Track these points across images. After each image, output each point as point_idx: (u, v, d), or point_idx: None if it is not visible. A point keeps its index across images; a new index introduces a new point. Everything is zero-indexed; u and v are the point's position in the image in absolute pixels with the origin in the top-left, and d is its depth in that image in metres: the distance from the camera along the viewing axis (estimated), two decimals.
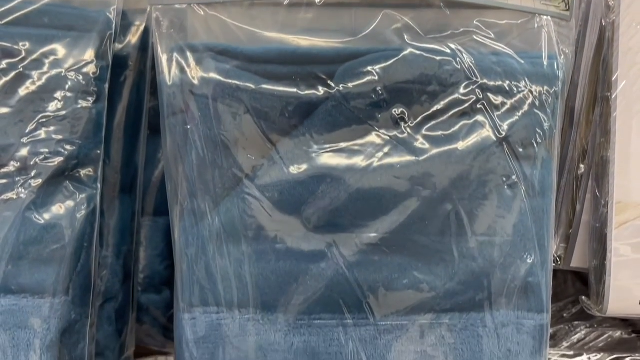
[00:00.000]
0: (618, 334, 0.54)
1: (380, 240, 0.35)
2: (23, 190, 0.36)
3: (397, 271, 0.34)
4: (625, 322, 0.57)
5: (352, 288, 0.35)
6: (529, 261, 0.35)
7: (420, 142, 0.35)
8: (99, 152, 0.39)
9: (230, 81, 0.36)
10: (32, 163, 0.37)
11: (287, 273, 0.35)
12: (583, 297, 0.44)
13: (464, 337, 0.34)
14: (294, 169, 0.35)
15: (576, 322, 0.57)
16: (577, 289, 0.67)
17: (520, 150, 0.35)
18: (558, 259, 0.44)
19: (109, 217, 0.44)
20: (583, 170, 0.42)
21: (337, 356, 0.35)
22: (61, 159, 0.37)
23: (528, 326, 0.35)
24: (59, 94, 0.37)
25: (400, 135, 0.35)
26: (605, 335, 0.55)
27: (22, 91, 0.37)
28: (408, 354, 0.34)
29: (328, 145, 0.35)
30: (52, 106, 0.37)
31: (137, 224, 0.48)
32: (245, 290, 0.36)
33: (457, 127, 0.35)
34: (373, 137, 0.35)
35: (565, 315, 0.60)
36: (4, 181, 0.36)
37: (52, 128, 0.37)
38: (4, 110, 0.37)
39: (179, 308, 0.38)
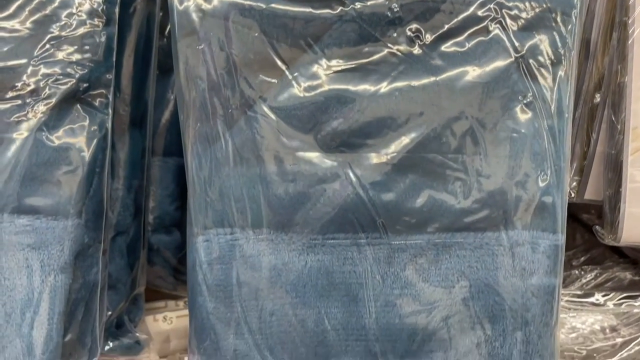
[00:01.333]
0: (628, 276, 0.54)
1: (395, 159, 0.34)
2: (34, 112, 0.36)
3: (412, 190, 0.34)
4: (634, 265, 0.57)
5: (365, 207, 0.34)
6: (544, 181, 0.34)
7: (435, 61, 0.34)
8: (109, 76, 0.38)
9: (242, 0, 0.35)
10: (42, 84, 0.36)
11: (301, 193, 0.35)
12: (597, 227, 0.44)
13: (479, 255, 0.34)
14: (307, 89, 0.35)
15: (585, 267, 0.57)
16: (585, 239, 0.67)
17: (537, 69, 0.35)
18: (572, 192, 0.44)
19: (120, 150, 0.44)
20: (598, 99, 0.42)
21: (350, 275, 0.35)
22: (72, 80, 0.37)
23: (543, 246, 0.34)
24: (69, 15, 0.37)
25: (415, 54, 0.34)
26: (615, 278, 0.55)
27: (32, 12, 0.36)
28: (422, 272, 0.34)
29: (342, 65, 0.35)
30: (63, 27, 0.36)
31: (148, 162, 0.48)
32: (259, 211, 0.35)
33: (473, 44, 0.34)
34: (387, 56, 0.35)
35: (574, 263, 0.60)
36: (15, 102, 0.36)
37: (62, 49, 0.36)
38: (14, 31, 0.36)
39: (192, 232, 0.38)
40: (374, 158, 0.35)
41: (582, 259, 0.60)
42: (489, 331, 0.34)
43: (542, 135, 0.35)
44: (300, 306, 0.35)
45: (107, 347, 0.44)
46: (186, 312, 0.57)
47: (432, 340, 0.34)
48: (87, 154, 0.37)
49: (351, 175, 0.35)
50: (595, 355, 0.46)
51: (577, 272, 0.56)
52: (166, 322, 0.56)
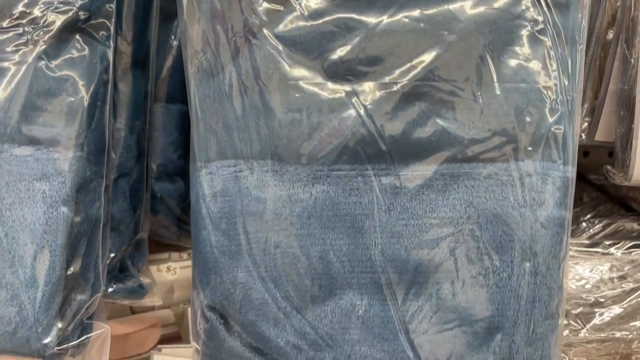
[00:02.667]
0: (636, 227, 0.54)
1: (403, 88, 0.33)
2: (34, 40, 0.35)
3: (420, 119, 0.33)
4: None
5: (372, 137, 0.34)
6: (555, 111, 0.34)
7: None
8: (110, 7, 0.37)
9: None
10: (42, 12, 0.35)
11: (306, 124, 0.34)
12: (607, 167, 0.43)
13: (487, 185, 0.33)
14: (313, 17, 0.34)
15: (593, 219, 0.57)
16: (592, 197, 0.66)
17: None
18: (582, 134, 0.43)
19: (122, 89, 0.43)
20: (611, 36, 0.40)
21: (356, 206, 0.34)
22: (72, 9, 0.36)
23: (553, 177, 0.34)
24: None
25: None
26: (623, 229, 0.54)
27: None
28: (429, 203, 0.34)
29: None
30: None
31: (150, 106, 0.47)
32: (263, 142, 0.35)
33: None
34: None
35: (582, 218, 0.60)
36: (14, 31, 0.35)
37: None
38: None
39: (196, 167, 0.38)
40: (382, 87, 0.34)
41: (590, 215, 0.60)
42: (497, 262, 0.33)
43: (554, 63, 0.34)
44: (305, 238, 0.35)
45: (110, 290, 0.44)
46: (190, 263, 0.57)
47: (438, 272, 0.34)
48: (88, 86, 0.37)
49: (358, 104, 0.34)
50: (603, 302, 0.46)
51: (585, 224, 0.56)
52: (170, 272, 0.56)
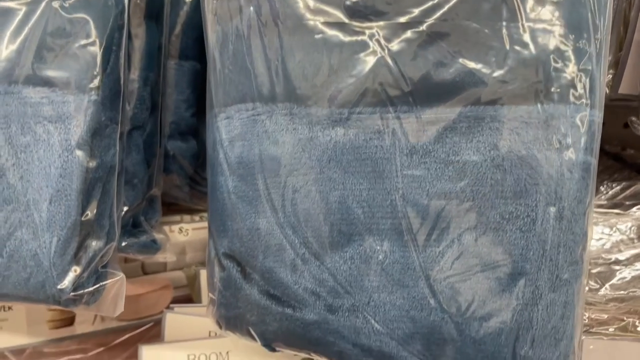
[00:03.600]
0: None
1: (426, 27, 0.33)
2: None
3: (443, 59, 0.32)
4: None
5: (394, 78, 0.33)
6: (583, 53, 0.33)
7: None
8: None
9: None
10: None
11: (326, 65, 0.33)
12: (632, 118, 0.42)
13: (512, 128, 0.32)
14: None
15: (610, 183, 0.56)
16: (608, 166, 0.65)
17: None
18: (606, 87, 0.42)
19: (136, 40, 0.42)
20: None
21: (377, 150, 0.33)
22: None
23: (580, 120, 0.33)
24: None
25: None
26: None
27: None
28: (452, 146, 0.33)
29: None
30: None
31: (164, 60, 0.47)
32: (282, 84, 0.34)
33: None
34: None
35: (599, 182, 0.59)
36: None
37: None
38: None
39: (212, 113, 0.37)
40: (404, 26, 0.33)
41: (607, 181, 0.59)
42: (521, 206, 0.32)
43: (583, 2, 0.33)
44: (324, 182, 0.34)
45: (123, 244, 0.43)
46: (202, 224, 0.57)
47: (461, 217, 0.33)
48: (103, 29, 0.36)
49: (379, 44, 0.33)
50: (622, 260, 0.45)
51: (603, 188, 0.55)
52: (182, 233, 0.56)
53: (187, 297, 0.57)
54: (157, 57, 0.45)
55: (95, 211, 0.36)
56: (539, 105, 0.32)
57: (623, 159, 0.66)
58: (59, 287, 0.35)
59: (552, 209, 0.32)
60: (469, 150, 0.33)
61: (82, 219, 0.36)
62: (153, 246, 0.46)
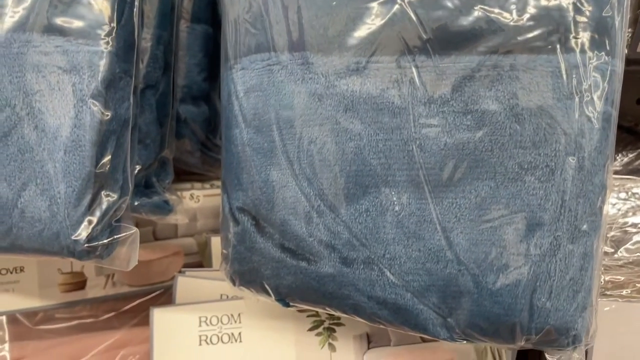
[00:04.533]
0: None
1: None
2: None
3: (463, 6, 0.32)
4: None
5: (413, 26, 0.32)
6: (605, 1, 0.32)
7: None
8: None
9: None
10: None
11: (343, 12, 0.33)
12: None
13: (532, 77, 0.32)
14: None
15: (625, 151, 0.55)
16: (621, 137, 0.65)
17: None
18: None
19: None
20: None
21: (395, 99, 0.33)
22: None
23: (601, 69, 0.32)
24: None
25: None
26: None
27: None
28: (471, 95, 0.32)
29: None
30: None
31: (177, 21, 0.46)
32: (298, 33, 0.34)
33: None
34: None
35: (616, 155, 0.58)
36: None
37: None
38: None
39: (227, 65, 0.37)
40: None
41: (622, 151, 0.58)
42: (540, 156, 0.32)
43: None
44: (340, 133, 0.34)
45: (136, 202, 0.43)
46: (213, 191, 0.57)
47: (479, 167, 0.32)
48: None
49: None
50: (638, 224, 0.45)
51: (618, 156, 0.54)
52: (193, 200, 0.56)
53: (198, 264, 0.57)
54: (170, 17, 0.44)
55: (109, 164, 0.36)
56: (559, 54, 0.32)
57: (637, 133, 0.66)
58: (73, 237, 0.35)
59: (572, 159, 0.32)
60: (488, 100, 0.32)
61: (96, 170, 0.35)
62: (165, 207, 0.45)
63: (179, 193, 0.54)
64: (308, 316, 0.46)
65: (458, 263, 0.33)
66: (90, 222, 0.35)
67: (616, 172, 0.49)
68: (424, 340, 0.45)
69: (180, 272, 0.51)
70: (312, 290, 0.36)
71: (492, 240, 0.33)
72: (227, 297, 0.48)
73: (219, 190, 0.56)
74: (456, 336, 0.34)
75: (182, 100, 0.51)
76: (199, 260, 0.57)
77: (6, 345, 0.49)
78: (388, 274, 0.34)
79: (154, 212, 0.44)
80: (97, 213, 0.36)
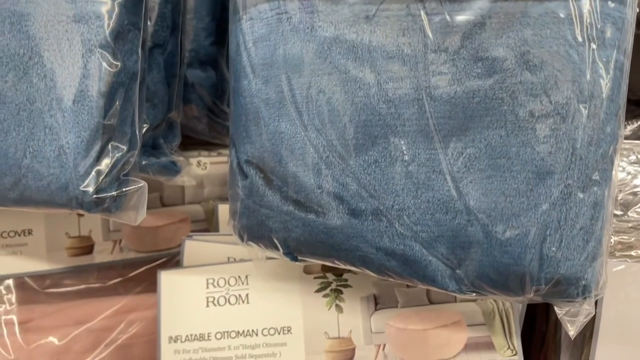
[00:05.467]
0: None
1: None
2: None
3: None
4: None
5: None
6: None
7: None
8: None
9: None
10: None
11: None
12: None
13: (544, 23, 0.31)
14: None
15: (633, 119, 0.55)
16: (631, 110, 0.65)
17: None
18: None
19: None
20: None
21: (405, 48, 0.33)
22: None
23: (613, 17, 0.32)
24: None
25: None
26: None
27: None
28: (482, 42, 0.32)
29: None
30: None
31: None
32: None
33: None
34: None
35: (626, 123, 0.58)
36: None
37: None
38: None
39: (236, 17, 0.37)
40: None
41: (631, 120, 0.58)
42: (552, 104, 0.32)
43: None
44: (350, 82, 0.33)
45: (144, 162, 0.43)
46: (220, 159, 0.57)
47: (489, 115, 0.32)
48: None
49: None
50: None
51: (627, 123, 0.54)
52: (200, 167, 0.56)
53: (205, 231, 0.57)
54: None
55: (117, 116, 0.36)
56: (571, 0, 0.32)
57: None
58: (81, 188, 0.35)
59: (584, 107, 0.32)
60: (499, 47, 0.32)
61: (105, 122, 0.35)
62: (173, 168, 0.45)
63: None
64: (315, 278, 0.46)
65: (467, 213, 0.33)
66: (98, 173, 0.35)
67: (626, 138, 0.49)
68: (431, 302, 0.45)
69: (187, 236, 0.51)
70: (320, 243, 0.36)
71: (502, 189, 0.32)
72: (234, 259, 0.48)
73: (225, 158, 0.56)
74: (465, 288, 0.34)
75: (189, 64, 0.51)
76: (206, 227, 0.57)
77: (14, 308, 0.50)
78: (397, 225, 0.34)
79: (161, 172, 0.44)
80: (106, 165, 0.36)
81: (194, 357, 0.45)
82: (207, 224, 0.57)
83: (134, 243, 0.53)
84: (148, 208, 0.54)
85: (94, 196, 0.35)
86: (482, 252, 0.33)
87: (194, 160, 0.55)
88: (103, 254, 0.52)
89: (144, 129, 0.42)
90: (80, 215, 0.51)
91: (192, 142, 0.57)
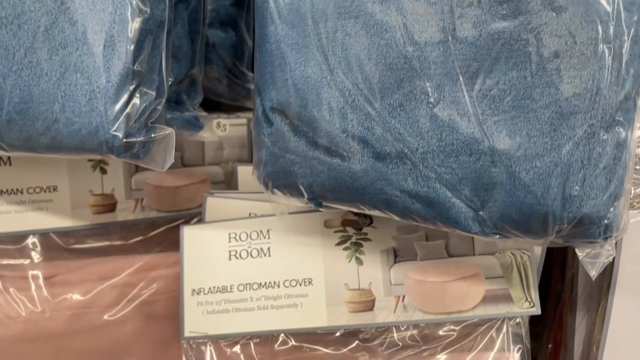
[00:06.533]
0: None
1: None
2: None
3: None
4: None
5: None
6: None
7: None
8: None
9: None
10: None
11: None
12: None
13: None
14: None
15: None
16: None
17: None
18: None
19: None
20: None
21: None
22: None
23: None
24: None
25: None
26: None
27: None
28: None
29: None
30: None
31: None
32: None
33: None
34: None
35: None
36: None
37: None
38: None
39: None
40: None
41: None
42: (576, 44, 0.32)
43: None
44: (376, 25, 0.34)
45: (168, 116, 0.44)
46: (240, 121, 0.57)
47: (514, 57, 0.32)
48: None
49: None
50: None
51: None
52: (220, 128, 0.56)
53: None
54: None
55: (145, 63, 0.37)
56: None
57: None
58: (112, 132, 0.36)
59: (608, 48, 0.32)
60: None
61: (134, 68, 0.36)
62: (196, 123, 0.46)
63: None
64: (335, 232, 0.47)
65: (491, 154, 0.33)
66: (128, 118, 0.36)
67: None
68: (450, 256, 0.46)
69: (209, 193, 0.52)
70: (345, 187, 0.37)
71: (526, 130, 0.33)
72: (256, 215, 0.49)
73: (245, 120, 0.57)
74: (487, 230, 0.35)
75: (210, 24, 0.51)
76: (225, 189, 0.57)
77: (40, 263, 0.51)
78: (421, 167, 0.35)
79: (185, 127, 0.45)
80: (135, 110, 0.36)
81: (217, 309, 0.46)
82: (226, 186, 0.58)
83: (155, 202, 0.54)
84: (169, 167, 0.55)
85: (124, 140, 0.36)
86: (505, 193, 0.34)
87: (213, 122, 0.55)
88: (125, 212, 0.53)
89: (170, 82, 0.43)
90: (103, 172, 0.52)
91: (210, 109, 0.58)
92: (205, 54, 0.51)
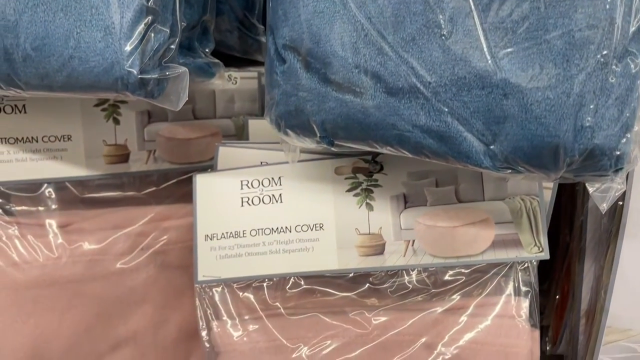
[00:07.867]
0: None
1: None
2: None
3: None
4: None
5: None
6: None
7: None
8: None
9: None
10: None
11: None
12: None
13: None
14: None
15: None
16: None
17: None
18: None
19: None
20: None
21: None
22: None
23: None
24: None
25: None
26: None
27: None
28: None
29: None
30: None
31: None
32: None
33: None
34: None
35: None
36: None
37: None
38: None
39: None
40: None
41: None
42: None
43: None
44: None
45: (181, 60, 0.44)
46: (250, 74, 0.58)
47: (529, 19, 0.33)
48: None
49: None
50: None
51: None
52: (231, 81, 0.57)
53: None
54: None
55: (159, 1, 0.37)
56: None
57: None
58: (127, 68, 0.36)
59: None
60: None
61: (148, 4, 0.36)
62: (209, 70, 0.46)
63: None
64: (346, 178, 0.47)
65: (504, 87, 0.34)
66: (142, 54, 0.36)
67: None
68: (460, 201, 0.46)
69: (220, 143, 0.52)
70: (357, 124, 0.37)
71: (539, 61, 0.33)
72: (267, 163, 0.49)
73: (255, 74, 0.57)
74: (498, 164, 0.35)
75: None
76: None
77: (56, 211, 0.52)
78: (434, 100, 0.35)
79: (197, 73, 0.45)
80: (149, 47, 0.37)
81: (229, 253, 0.47)
82: (237, 139, 0.58)
83: (167, 154, 0.55)
84: (180, 119, 0.55)
85: (139, 77, 0.36)
86: (517, 125, 0.34)
87: (224, 74, 0.56)
88: (138, 163, 0.54)
89: (182, 27, 0.43)
90: (116, 122, 0.52)
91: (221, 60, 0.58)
92: (217, 4, 0.51)
